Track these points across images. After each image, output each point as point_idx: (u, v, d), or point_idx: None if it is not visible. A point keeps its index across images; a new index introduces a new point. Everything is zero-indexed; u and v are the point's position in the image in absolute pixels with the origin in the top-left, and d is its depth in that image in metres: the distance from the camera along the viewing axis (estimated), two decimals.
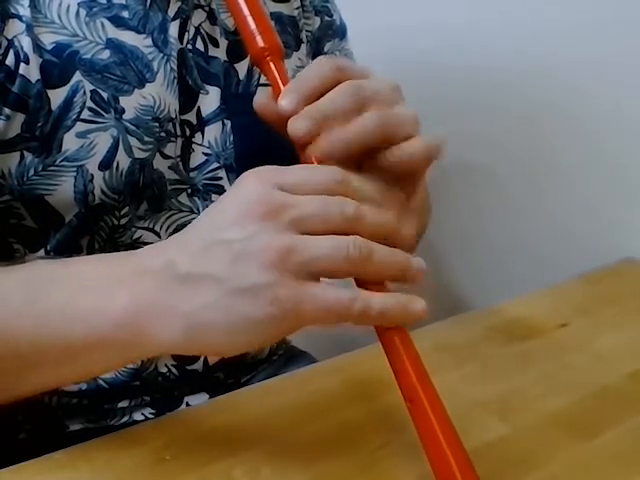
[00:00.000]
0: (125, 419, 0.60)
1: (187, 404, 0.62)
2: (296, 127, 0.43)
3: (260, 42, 0.47)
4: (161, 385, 0.61)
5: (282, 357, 0.70)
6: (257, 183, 0.40)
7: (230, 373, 0.64)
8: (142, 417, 0.60)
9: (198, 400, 0.62)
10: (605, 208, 0.85)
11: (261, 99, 0.47)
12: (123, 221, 0.56)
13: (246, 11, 0.48)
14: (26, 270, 0.46)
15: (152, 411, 0.61)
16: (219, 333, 0.39)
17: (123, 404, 0.60)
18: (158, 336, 0.40)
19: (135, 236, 0.57)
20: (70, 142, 0.52)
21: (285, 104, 0.44)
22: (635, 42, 0.78)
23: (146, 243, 0.57)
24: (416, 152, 0.45)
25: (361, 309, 0.39)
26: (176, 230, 0.58)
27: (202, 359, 0.61)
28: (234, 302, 0.39)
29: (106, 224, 0.55)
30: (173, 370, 0.61)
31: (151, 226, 0.58)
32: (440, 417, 0.40)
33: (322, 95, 0.44)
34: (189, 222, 0.58)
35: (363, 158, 0.47)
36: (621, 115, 0.81)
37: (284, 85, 0.46)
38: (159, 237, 0.58)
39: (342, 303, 0.38)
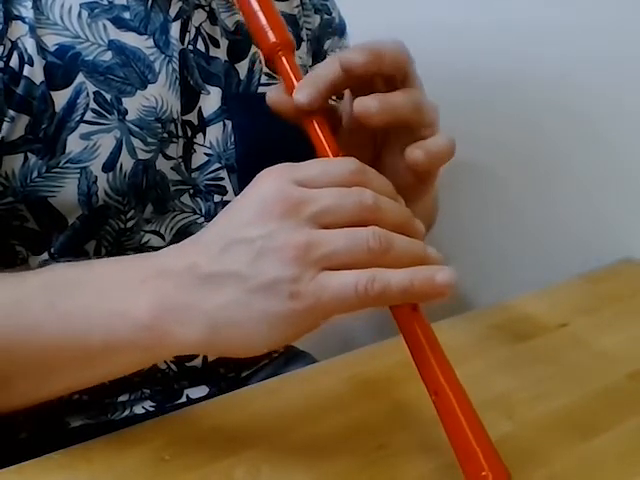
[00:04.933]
0: (126, 413, 0.60)
1: (187, 397, 0.62)
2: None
3: (272, 37, 0.47)
4: (161, 380, 0.61)
5: (282, 357, 0.70)
6: (274, 180, 0.40)
7: (230, 368, 0.64)
8: (143, 410, 0.61)
9: (198, 393, 0.62)
10: (605, 208, 0.85)
11: (274, 94, 0.47)
12: (130, 224, 0.56)
13: (256, 6, 0.48)
14: (45, 274, 0.46)
15: (152, 404, 0.61)
16: (241, 331, 0.40)
17: (123, 398, 0.60)
18: (180, 337, 0.41)
19: (143, 240, 0.57)
20: (74, 144, 0.52)
21: (301, 97, 0.45)
22: (636, 41, 0.78)
23: (153, 247, 0.57)
24: (441, 148, 0.45)
25: (380, 288, 0.38)
26: (179, 231, 0.58)
27: (201, 356, 0.62)
28: (255, 299, 0.39)
29: (112, 228, 0.55)
30: (172, 367, 0.61)
31: (157, 229, 0.58)
32: (466, 409, 0.40)
33: (336, 88, 0.45)
34: (192, 223, 0.59)
35: (380, 153, 0.48)
36: (621, 115, 0.81)
37: (297, 79, 0.46)
38: (163, 239, 0.58)
39: (360, 285, 0.38)
